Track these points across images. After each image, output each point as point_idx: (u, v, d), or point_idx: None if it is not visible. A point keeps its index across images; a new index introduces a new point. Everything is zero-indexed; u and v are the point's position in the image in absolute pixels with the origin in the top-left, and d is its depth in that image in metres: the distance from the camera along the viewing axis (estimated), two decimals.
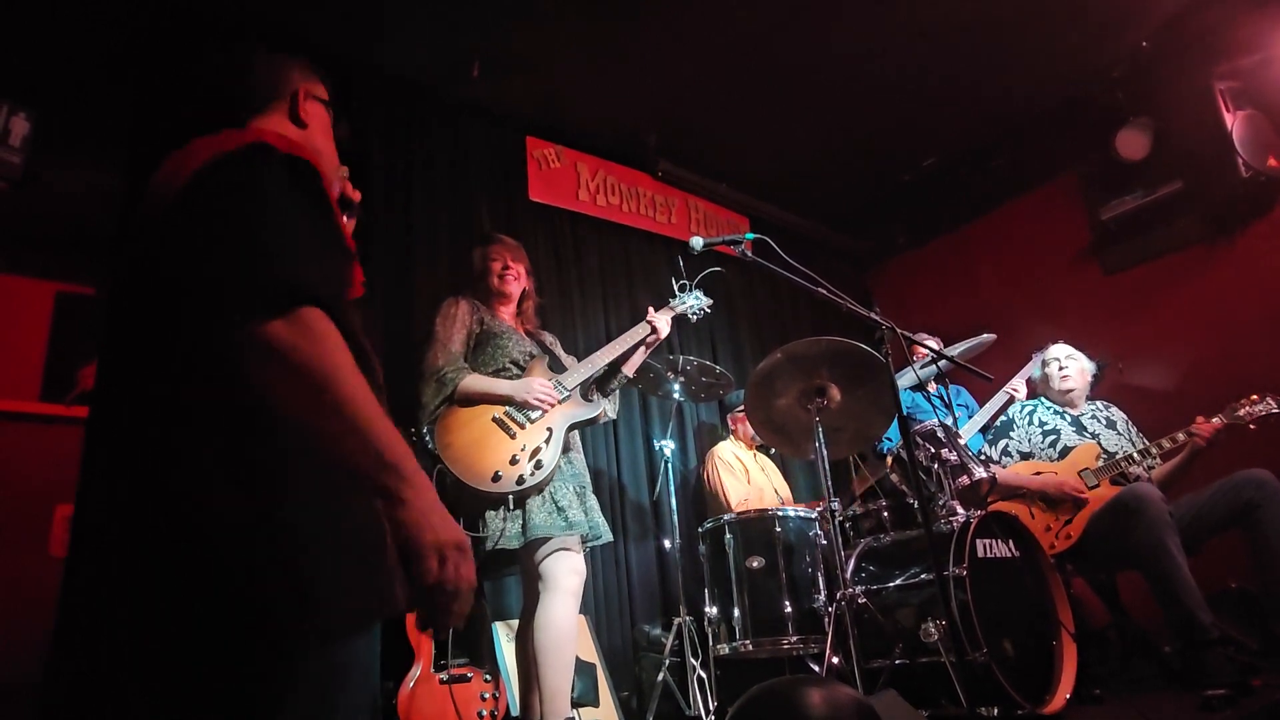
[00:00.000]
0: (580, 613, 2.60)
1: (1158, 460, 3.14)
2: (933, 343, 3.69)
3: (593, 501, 2.59)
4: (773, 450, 3.97)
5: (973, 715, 2.29)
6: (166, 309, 0.96)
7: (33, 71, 3.19)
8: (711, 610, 3.02)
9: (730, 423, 4.02)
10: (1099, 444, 3.23)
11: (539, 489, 2.40)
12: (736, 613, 2.92)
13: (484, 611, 2.82)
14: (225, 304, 0.88)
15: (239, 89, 1.24)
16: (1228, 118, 3.78)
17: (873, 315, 2.35)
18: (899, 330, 2.35)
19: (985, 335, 3.63)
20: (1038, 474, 3.20)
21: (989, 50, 3.96)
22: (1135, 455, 3.10)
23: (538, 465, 2.39)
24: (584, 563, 2.48)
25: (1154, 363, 4.21)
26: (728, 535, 3.03)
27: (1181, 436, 3.04)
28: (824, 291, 2.33)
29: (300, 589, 0.87)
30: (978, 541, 2.62)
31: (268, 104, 1.24)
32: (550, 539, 2.40)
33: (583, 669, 2.74)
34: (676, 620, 3.13)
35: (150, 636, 0.85)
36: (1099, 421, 3.35)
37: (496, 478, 2.33)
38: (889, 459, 3.24)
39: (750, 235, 2.35)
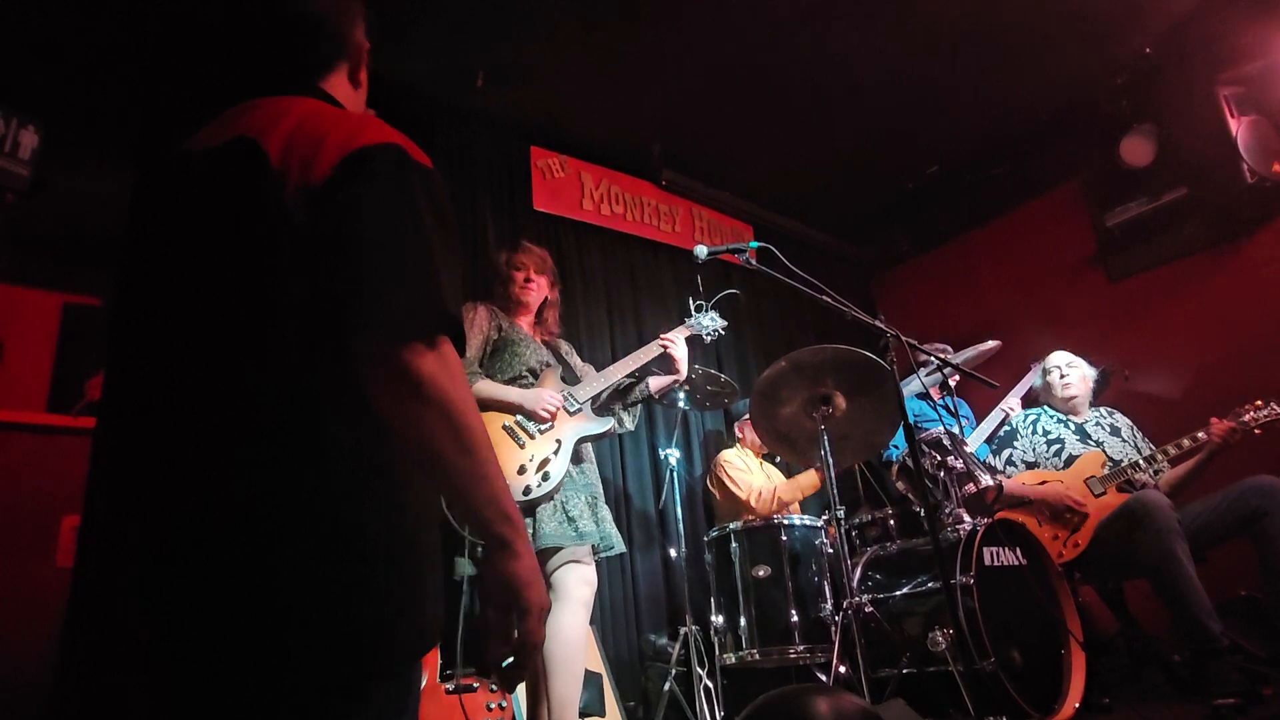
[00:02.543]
0: None
1: (1165, 466, 3.13)
2: (943, 352, 3.68)
3: (605, 512, 2.57)
4: (778, 459, 3.97)
5: None
6: (276, 305, 0.88)
7: (39, 81, 3.21)
8: (718, 619, 3.01)
9: (738, 430, 4.02)
10: (1104, 451, 3.21)
11: (546, 499, 2.40)
12: (743, 622, 2.91)
13: None
14: (375, 320, 0.84)
15: (313, 53, 1.13)
16: (1232, 124, 3.78)
17: (877, 323, 2.35)
18: (904, 339, 2.35)
19: (989, 342, 3.62)
20: (1043, 483, 3.19)
21: (992, 58, 3.97)
22: (1141, 462, 3.09)
23: (545, 477, 2.38)
24: (594, 573, 2.48)
25: (1159, 369, 4.20)
26: (734, 544, 3.02)
27: (1201, 435, 3.02)
28: (828, 299, 2.33)
29: (417, 610, 0.87)
30: (985, 549, 2.62)
31: (333, 65, 1.15)
32: (561, 549, 2.39)
33: (589, 679, 2.73)
34: (683, 630, 3.11)
35: (251, 655, 0.80)
36: (1103, 429, 3.33)
37: None
38: (894, 467, 3.23)
39: (754, 244, 2.35)
